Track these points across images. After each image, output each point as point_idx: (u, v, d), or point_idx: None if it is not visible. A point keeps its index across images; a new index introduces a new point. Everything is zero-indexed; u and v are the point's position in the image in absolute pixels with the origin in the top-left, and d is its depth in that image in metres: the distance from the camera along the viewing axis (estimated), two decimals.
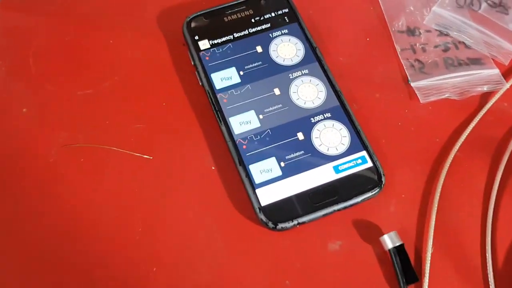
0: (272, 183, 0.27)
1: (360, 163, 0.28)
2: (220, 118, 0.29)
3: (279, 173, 0.28)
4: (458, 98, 0.32)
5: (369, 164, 0.28)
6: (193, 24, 0.33)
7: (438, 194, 0.28)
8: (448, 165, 0.29)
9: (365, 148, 0.29)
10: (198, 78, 0.31)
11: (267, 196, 0.27)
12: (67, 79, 0.32)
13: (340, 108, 0.30)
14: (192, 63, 0.32)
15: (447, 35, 0.34)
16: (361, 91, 0.32)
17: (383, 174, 0.28)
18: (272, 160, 0.28)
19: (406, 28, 0.35)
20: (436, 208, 0.28)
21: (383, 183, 0.28)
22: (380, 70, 0.33)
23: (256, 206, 0.27)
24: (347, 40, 0.34)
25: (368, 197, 0.27)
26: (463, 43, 0.34)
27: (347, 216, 0.28)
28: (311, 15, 0.35)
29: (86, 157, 0.30)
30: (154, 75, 0.32)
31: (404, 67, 0.33)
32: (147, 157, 0.30)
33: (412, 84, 0.32)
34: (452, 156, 0.29)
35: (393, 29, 0.35)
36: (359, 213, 0.28)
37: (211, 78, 0.31)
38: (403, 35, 0.35)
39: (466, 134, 0.30)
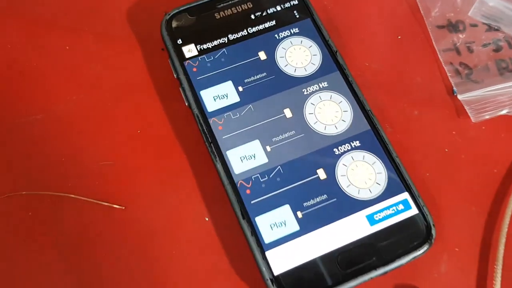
0: (287, 242, 0.21)
1: (402, 209, 0.22)
2: (215, 152, 0.22)
3: (296, 227, 0.21)
4: None
5: (414, 210, 0.22)
6: (174, 23, 0.25)
7: (503, 246, 0.22)
8: None
9: (408, 188, 0.22)
10: (184, 97, 0.24)
11: (281, 261, 0.20)
12: (6, 102, 0.24)
13: (372, 134, 0.23)
14: (175, 76, 0.24)
15: (497, 30, 0.28)
16: (394, 108, 0.25)
17: (433, 225, 0.22)
18: (286, 210, 0.21)
19: (447, 22, 0.28)
20: (501, 265, 0.22)
21: (433, 236, 0.21)
22: (417, 78, 0.26)
23: (266, 276, 0.20)
24: (374, 40, 0.27)
25: (415, 257, 0.21)
26: None
27: (386, 280, 0.21)
28: (327, 8, 0.27)
29: (34, 209, 0.22)
30: (125, 93, 0.25)
31: (448, 74, 0.26)
32: (118, 207, 0.22)
33: (460, 97, 0.26)
34: None
35: (431, 24, 0.28)
36: (400, 276, 0.21)
37: (201, 97, 0.23)
38: (444, 31, 0.28)
39: None
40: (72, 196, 0.22)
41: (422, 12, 0.28)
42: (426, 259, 0.22)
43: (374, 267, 0.20)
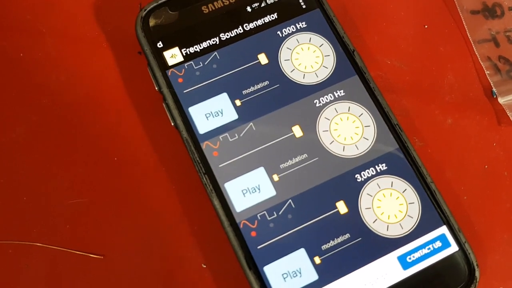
0: None
1: (440, 247, 0.19)
2: (210, 186, 0.19)
3: (314, 276, 0.18)
4: None
5: (454, 247, 0.18)
6: (152, 21, 0.21)
7: None
8: None
9: (446, 220, 0.19)
10: (169, 115, 0.20)
11: None
12: None
13: (401, 154, 0.19)
14: (156, 88, 0.20)
15: None
16: (423, 116, 0.21)
17: (477, 265, 0.19)
18: (301, 255, 0.18)
19: (482, 6, 0.25)
20: None
21: (477, 279, 0.18)
22: (449, 77, 0.23)
23: None
24: (395, 31, 0.23)
25: None
26: None
27: None
28: None
29: None
30: (95, 110, 0.21)
31: (485, 71, 0.23)
32: (95, 256, 0.19)
33: (500, 100, 0.23)
34: None
35: (463, 9, 0.24)
36: None
37: (190, 116, 0.20)
38: (478, 16, 0.24)
39: None
40: (39, 244, 0.19)
41: None
42: None
43: None
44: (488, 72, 0.23)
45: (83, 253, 0.19)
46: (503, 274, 0.20)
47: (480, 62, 0.23)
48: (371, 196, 0.19)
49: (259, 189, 0.19)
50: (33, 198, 0.20)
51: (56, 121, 0.21)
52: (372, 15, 0.23)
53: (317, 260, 0.18)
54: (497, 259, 0.20)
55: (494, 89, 0.22)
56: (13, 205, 0.20)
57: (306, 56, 0.21)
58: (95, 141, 0.20)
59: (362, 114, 0.20)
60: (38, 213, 0.19)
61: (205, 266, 0.19)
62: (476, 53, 0.23)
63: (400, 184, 0.19)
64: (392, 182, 0.19)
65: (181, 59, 0.20)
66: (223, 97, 0.20)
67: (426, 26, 0.24)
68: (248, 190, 0.19)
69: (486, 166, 0.21)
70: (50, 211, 0.19)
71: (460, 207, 0.21)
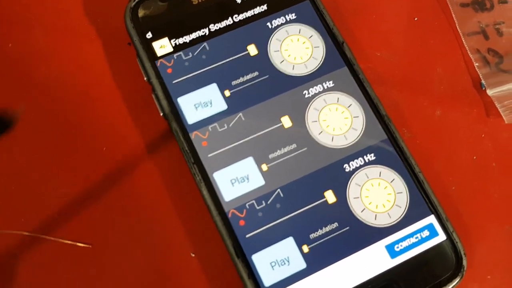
0: (293, 284, 0.18)
1: (428, 236, 0.19)
2: (199, 175, 0.19)
3: (302, 265, 0.18)
4: None
5: (442, 236, 0.19)
6: (141, 12, 0.21)
7: None
8: None
9: (434, 209, 0.19)
10: (158, 105, 0.20)
11: None
12: None
13: (389, 144, 0.19)
14: (145, 78, 0.20)
15: None
16: (412, 107, 0.22)
17: (464, 254, 0.19)
18: (289, 243, 0.18)
19: None
20: None
21: (464, 268, 0.18)
22: (438, 70, 0.23)
23: None
24: (385, 23, 0.24)
25: None
26: None
27: None
28: None
29: None
30: (85, 101, 0.21)
31: (474, 64, 0.23)
32: (83, 245, 0.19)
33: (489, 92, 0.23)
34: None
35: (453, 2, 0.25)
36: None
37: (179, 106, 0.20)
38: (468, 9, 0.25)
39: None
40: (27, 233, 0.19)
41: None
42: None
43: None
44: (477, 64, 0.23)
45: (72, 242, 0.19)
46: (491, 264, 0.20)
47: (469, 54, 0.23)
48: (360, 185, 0.19)
49: (248, 178, 0.19)
50: (21, 188, 0.20)
51: (45, 112, 0.21)
52: (362, 8, 0.24)
53: (305, 248, 0.18)
54: (485, 249, 0.20)
55: (483, 81, 0.23)
56: (2, 195, 0.20)
57: (296, 47, 0.21)
58: (84, 132, 0.20)
59: (351, 105, 0.20)
60: (27, 202, 0.19)
61: (194, 255, 0.19)
62: (466, 46, 0.23)
63: (388, 174, 0.19)
64: (380, 172, 0.19)
65: (170, 49, 0.20)
66: (213, 88, 0.20)
67: (416, 19, 0.24)
68: (237, 180, 0.19)
69: (474, 157, 0.21)
70: (39, 200, 0.19)
71: (449, 198, 0.21)
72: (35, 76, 0.21)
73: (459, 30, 0.24)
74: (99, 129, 0.21)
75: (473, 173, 0.21)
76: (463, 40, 0.23)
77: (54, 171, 0.20)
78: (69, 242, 0.19)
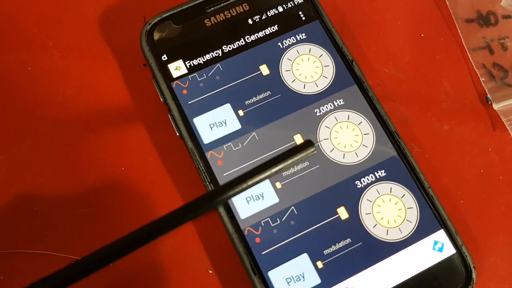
0: None
1: (438, 250, 0.20)
2: None
3: (317, 280, 0.19)
4: None
5: (451, 250, 0.19)
6: (157, 35, 0.22)
7: None
8: None
9: (443, 224, 0.20)
10: (174, 126, 0.21)
11: None
12: None
13: (399, 161, 0.20)
14: (162, 100, 0.21)
15: None
16: (420, 122, 0.22)
17: (474, 267, 0.20)
18: (304, 260, 0.19)
19: (477, 15, 0.25)
20: None
21: (473, 281, 0.19)
22: (445, 85, 0.24)
23: None
24: (393, 40, 0.24)
25: None
26: None
27: None
28: (337, 5, 0.24)
29: (7, 271, 0.19)
30: (102, 122, 0.22)
31: (480, 78, 0.24)
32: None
33: (495, 107, 0.23)
34: None
35: (458, 18, 0.25)
36: None
37: (194, 126, 0.20)
38: (473, 25, 0.25)
39: None
40: (49, 253, 0.20)
41: (447, 3, 0.25)
42: None
43: None
44: (483, 79, 0.24)
45: None
46: (500, 275, 0.21)
47: (475, 69, 0.24)
48: (371, 201, 0.20)
49: (262, 196, 0.20)
50: (43, 208, 0.20)
51: (64, 132, 0.22)
52: (369, 26, 0.24)
53: (320, 264, 0.19)
54: (493, 260, 0.21)
55: (489, 96, 0.23)
56: (24, 215, 0.20)
57: (306, 66, 0.22)
58: (102, 152, 0.21)
59: (361, 122, 0.21)
60: (48, 222, 0.20)
61: (211, 272, 0.20)
62: (471, 61, 0.24)
63: (399, 189, 0.20)
64: (391, 188, 0.20)
65: (185, 71, 0.21)
66: (227, 108, 0.21)
67: (422, 35, 0.24)
68: (252, 198, 0.20)
69: (481, 171, 0.22)
70: (60, 220, 0.20)
71: (457, 211, 0.21)
72: (54, 96, 0.22)
73: (464, 45, 0.24)
74: (117, 150, 0.21)
75: (481, 186, 0.22)
76: (469, 55, 0.24)
77: (75, 191, 0.21)
78: None
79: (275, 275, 0.19)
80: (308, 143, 0.15)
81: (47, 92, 0.22)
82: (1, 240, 0.20)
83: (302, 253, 0.19)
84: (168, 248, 0.20)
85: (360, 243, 0.19)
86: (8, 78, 0.22)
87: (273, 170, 0.14)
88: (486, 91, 0.23)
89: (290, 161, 0.14)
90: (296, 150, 0.15)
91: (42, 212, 0.20)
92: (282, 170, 0.14)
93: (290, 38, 0.22)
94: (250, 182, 0.14)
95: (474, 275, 0.19)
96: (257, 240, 0.19)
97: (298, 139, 0.21)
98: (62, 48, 0.23)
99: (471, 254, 0.20)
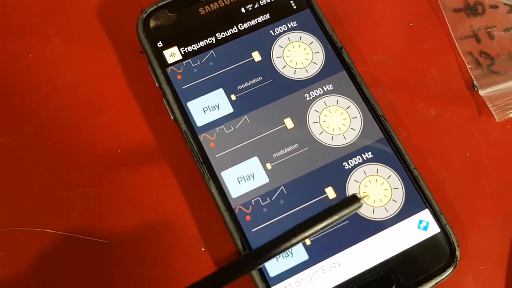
0: (296, 274, 0.19)
1: (422, 229, 0.20)
2: (207, 174, 0.20)
3: (305, 256, 0.19)
4: None
5: (436, 229, 0.20)
6: (153, 23, 0.23)
7: None
8: None
9: (428, 204, 0.20)
10: (168, 109, 0.22)
11: None
12: None
13: (386, 143, 0.21)
14: (157, 85, 0.22)
15: None
16: (408, 108, 0.23)
17: (457, 245, 0.20)
18: None
19: (464, 4, 0.26)
20: None
21: (457, 258, 0.20)
22: (433, 72, 0.24)
23: None
24: (382, 29, 0.25)
25: (437, 282, 0.20)
26: None
27: None
28: None
29: (8, 247, 0.20)
30: (101, 106, 0.22)
31: (467, 66, 0.25)
32: (100, 240, 0.21)
33: (481, 93, 0.24)
34: None
35: (446, 7, 0.26)
36: None
37: (188, 110, 0.21)
38: (461, 14, 0.26)
39: None
40: (49, 231, 0.21)
41: None
42: (449, 281, 0.20)
43: None
44: (469, 66, 0.24)
45: (89, 238, 0.21)
46: (484, 255, 0.21)
47: (462, 57, 0.25)
48: (358, 182, 0.21)
49: (253, 177, 0.21)
50: (43, 188, 0.21)
51: (63, 117, 0.23)
52: (360, 15, 0.25)
53: (308, 241, 0.20)
54: (478, 241, 0.22)
55: (475, 82, 0.24)
56: (25, 195, 0.21)
57: (297, 53, 0.22)
58: (100, 135, 0.22)
59: (349, 106, 0.22)
60: (48, 201, 0.21)
61: (203, 249, 0.21)
62: (458, 49, 0.25)
63: (385, 170, 0.21)
64: (377, 169, 0.21)
65: (179, 57, 0.22)
66: (219, 92, 0.22)
67: (411, 24, 0.25)
68: (243, 178, 0.21)
69: (467, 154, 0.23)
70: (60, 200, 0.21)
71: (444, 193, 0.22)
72: (54, 83, 0.23)
73: (452, 34, 0.25)
74: (114, 132, 0.22)
75: (467, 169, 0.23)
76: (456, 44, 0.25)
77: (73, 172, 0.22)
78: (88, 238, 0.21)
79: None
80: (353, 199, 0.15)
81: (47, 78, 0.23)
82: (2, 218, 0.21)
83: None
84: (162, 227, 0.21)
85: (347, 221, 0.20)
86: (11, 64, 0.23)
87: (321, 225, 0.15)
88: (473, 78, 0.24)
89: (336, 217, 0.15)
90: (341, 205, 0.15)
91: (42, 191, 0.21)
92: (328, 225, 0.15)
93: (281, 26, 0.23)
94: (304, 235, 0.14)
95: (458, 253, 0.20)
96: (248, 218, 0.20)
97: (288, 123, 0.21)
98: (62, 36, 0.24)
99: (457, 235, 0.20)
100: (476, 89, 0.24)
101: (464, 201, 0.22)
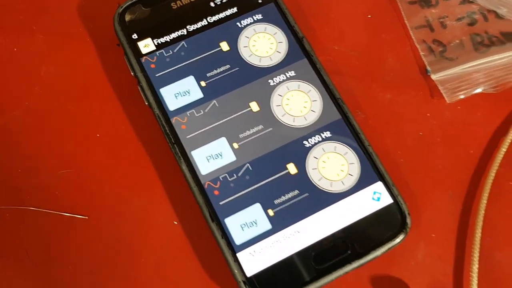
0: (259, 242, 0.21)
1: (376, 200, 0.22)
2: (179, 154, 0.22)
3: (268, 226, 0.21)
4: (494, 91, 0.26)
5: (388, 200, 0.22)
6: (128, 17, 0.24)
7: (480, 229, 0.23)
8: (489, 187, 0.23)
9: (381, 177, 0.22)
10: (143, 96, 0.23)
11: (253, 261, 0.20)
12: None
13: (343, 123, 0.23)
14: (132, 73, 0.24)
15: (472, 2, 0.28)
16: (366, 93, 0.25)
17: (408, 214, 0.22)
18: (257, 208, 0.21)
19: None
20: (478, 249, 0.23)
21: (408, 225, 0.22)
22: (390, 60, 0.26)
23: (239, 278, 0.20)
24: (342, 21, 0.27)
25: (390, 247, 0.22)
26: (494, 12, 0.27)
27: (362, 273, 0.22)
28: None
29: None
30: (81, 95, 0.24)
31: (421, 53, 0.26)
32: (81, 216, 0.23)
33: (433, 77, 0.26)
34: (494, 174, 0.23)
35: (402, 0, 0.28)
36: (377, 267, 0.22)
37: (161, 95, 0.23)
38: (415, 6, 0.28)
39: (510, 141, 0.25)
40: (32, 208, 0.22)
41: None
42: (403, 248, 0.22)
43: (349, 261, 0.21)
44: (423, 53, 0.26)
45: (71, 215, 0.22)
46: (436, 225, 0.23)
47: (417, 45, 0.26)
48: (317, 158, 0.22)
49: (221, 155, 0.22)
50: (27, 170, 0.23)
51: (46, 105, 0.24)
52: (322, 9, 0.27)
53: (271, 212, 0.21)
54: (430, 212, 0.23)
55: (428, 68, 0.26)
56: (10, 176, 0.23)
57: (262, 43, 0.24)
58: (80, 120, 0.24)
59: (310, 90, 0.24)
60: (31, 182, 0.23)
61: (176, 223, 0.23)
62: (413, 38, 0.27)
63: (342, 148, 0.23)
64: (335, 147, 0.23)
65: (153, 48, 0.24)
66: (190, 79, 0.23)
67: (369, 16, 0.27)
68: (212, 157, 0.22)
69: (421, 133, 0.25)
70: (43, 180, 0.23)
71: (398, 169, 0.24)
72: (38, 75, 0.25)
73: (407, 24, 0.27)
74: (93, 118, 0.24)
75: (420, 148, 0.24)
76: (411, 33, 0.27)
77: (54, 154, 0.23)
78: (69, 214, 0.22)
79: (231, 222, 0.21)
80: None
81: (31, 70, 0.25)
82: None
83: (255, 203, 0.21)
84: (138, 203, 0.23)
85: (307, 194, 0.22)
86: None
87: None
88: (426, 64, 0.26)
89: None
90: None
91: (26, 172, 0.23)
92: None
93: (247, 18, 0.25)
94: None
95: (408, 221, 0.22)
96: (216, 192, 0.22)
97: (254, 106, 0.23)
98: (45, 32, 0.26)
99: (409, 207, 0.22)
100: (429, 74, 0.26)
101: (417, 177, 0.24)
